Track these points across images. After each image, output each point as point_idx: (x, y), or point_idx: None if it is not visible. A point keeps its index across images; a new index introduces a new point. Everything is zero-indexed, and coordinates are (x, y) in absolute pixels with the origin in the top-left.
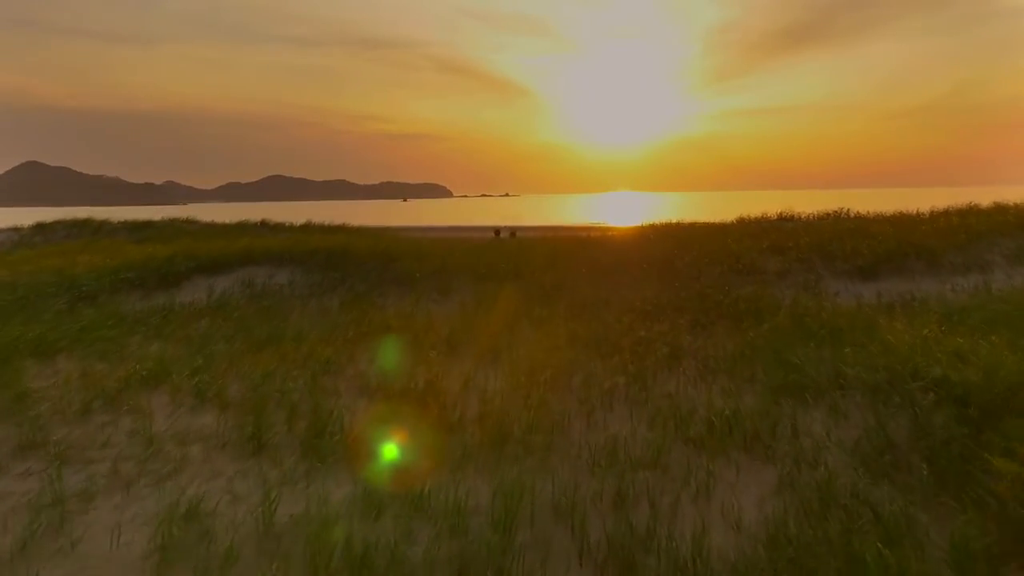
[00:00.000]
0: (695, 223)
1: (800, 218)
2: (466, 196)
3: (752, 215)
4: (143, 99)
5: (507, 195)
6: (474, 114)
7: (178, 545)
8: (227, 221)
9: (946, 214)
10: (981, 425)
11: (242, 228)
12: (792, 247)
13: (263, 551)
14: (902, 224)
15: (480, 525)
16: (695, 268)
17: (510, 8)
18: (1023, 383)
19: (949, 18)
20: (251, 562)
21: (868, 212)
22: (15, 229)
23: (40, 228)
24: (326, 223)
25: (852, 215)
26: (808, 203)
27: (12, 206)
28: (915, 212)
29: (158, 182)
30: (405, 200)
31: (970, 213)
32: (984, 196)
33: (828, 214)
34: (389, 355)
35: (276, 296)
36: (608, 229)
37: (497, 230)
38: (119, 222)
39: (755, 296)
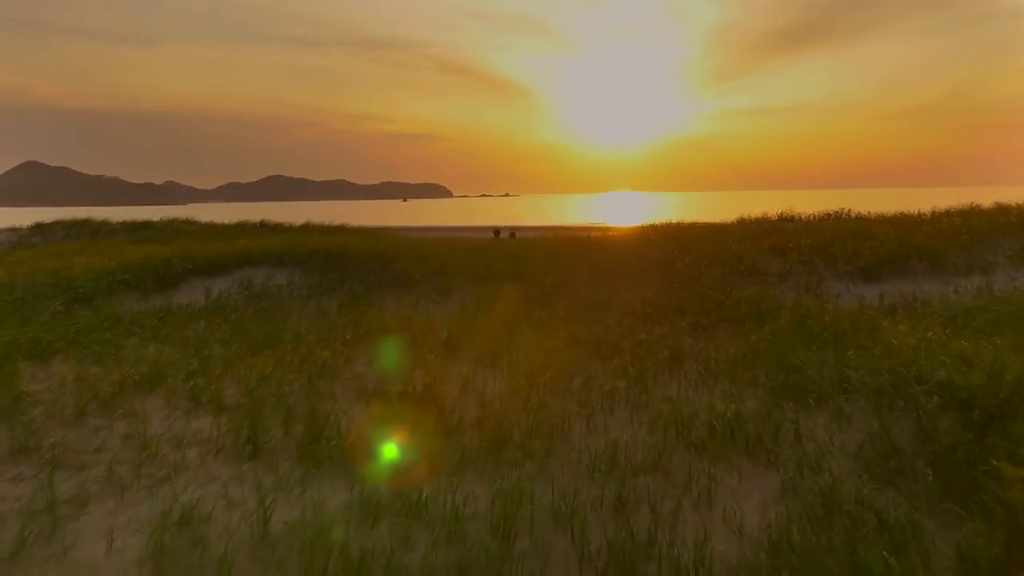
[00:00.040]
0: (695, 223)
1: (801, 219)
2: (466, 196)
3: (752, 215)
4: (143, 99)
5: (507, 195)
6: (474, 114)
7: (171, 552)
8: (226, 221)
9: (948, 215)
10: (986, 429)
11: (241, 229)
12: (793, 248)
13: (257, 558)
14: (904, 225)
15: (478, 532)
16: (696, 269)
17: (510, 8)
18: None
19: (949, 18)
20: (245, 570)
21: (869, 213)
22: (13, 230)
23: (38, 229)
24: (325, 223)
25: (853, 216)
26: (808, 203)
27: (12, 206)
28: (916, 213)
29: (158, 182)
30: (405, 200)
31: (972, 214)
32: (984, 196)
33: (829, 215)
34: (387, 358)
35: (274, 297)
36: (608, 229)
37: (497, 230)
38: (118, 222)
39: (756, 298)
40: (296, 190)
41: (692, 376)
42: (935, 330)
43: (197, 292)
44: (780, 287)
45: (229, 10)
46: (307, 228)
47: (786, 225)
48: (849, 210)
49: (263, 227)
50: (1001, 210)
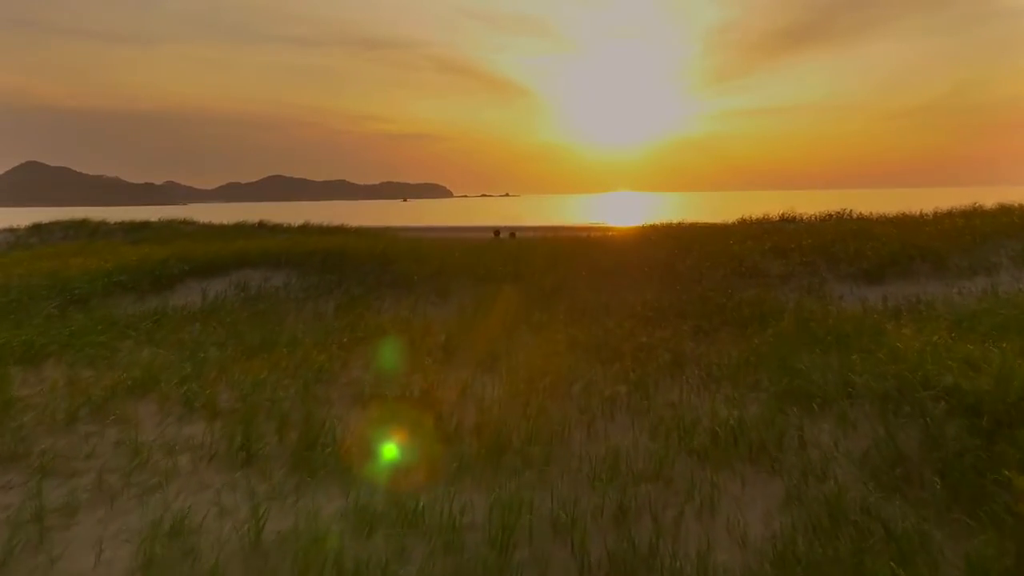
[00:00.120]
0: (696, 224)
1: (802, 219)
2: (466, 196)
3: (753, 216)
4: (143, 99)
5: (507, 195)
6: (474, 114)
7: (161, 563)
8: (225, 222)
9: (950, 215)
10: (994, 436)
11: (239, 229)
12: (795, 249)
13: (250, 569)
14: (906, 226)
15: (476, 542)
16: (697, 271)
17: (510, 8)
18: None
19: (949, 18)
20: None
21: (870, 213)
22: (11, 230)
23: (36, 229)
24: (325, 224)
25: (855, 216)
26: (809, 203)
27: (12, 206)
28: (918, 213)
29: (158, 182)
30: (405, 200)
31: (974, 214)
32: (984, 196)
33: (830, 215)
34: (384, 361)
35: (271, 299)
36: (608, 229)
37: (497, 230)
38: (116, 223)
39: (758, 300)
40: (296, 190)
41: (694, 381)
42: (941, 334)
43: (193, 294)
44: (782, 289)
45: (229, 10)
46: (306, 229)
47: (787, 226)
48: (851, 211)
49: (261, 228)
50: (1004, 211)
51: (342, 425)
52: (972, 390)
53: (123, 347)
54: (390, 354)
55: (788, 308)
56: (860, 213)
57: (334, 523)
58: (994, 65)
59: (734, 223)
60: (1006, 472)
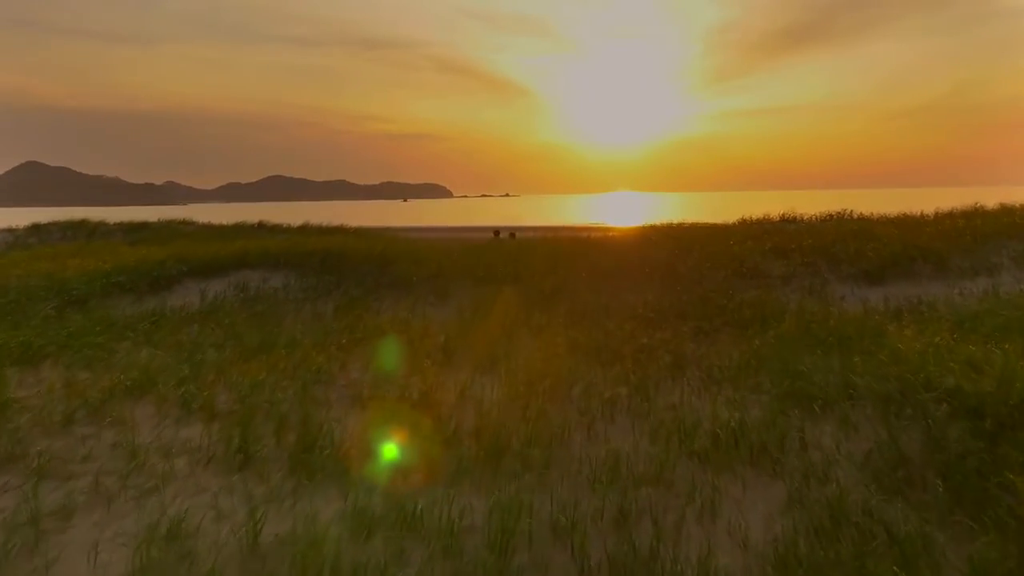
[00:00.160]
0: (696, 224)
1: (802, 220)
2: (466, 196)
3: (754, 216)
4: (143, 99)
5: (507, 195)
6: (474, 114)
7: (157, 566)
8: (224, 222)
9: (951, 216)
10: (997, 439)
11: (239, 230)
12: (796, 250)
13: (247, 572)
14: (907, 226)
15: (475, 545)
16: (697, 272)
17: (510, 8)
18: None
19: (949, 18)
20: None
21: (871, 213)
22: (10, 230)
23: (35, 229)
24: (324, 224)
25: (855, 217)
26: (809, 204)
27: (12, 206)
28: (919, 214)
29: (158, 182)
30: (405, 200)
31: (975, 215)
32: (985, 196)
33: (831, 216)
34: (383, 363)
35: (270, 300)
36: (608, 230)
37: (497, 231)
38: (115, 223)
39: (759, 301)
40: (296, 190)
41: (695, 383)
42: (942, 335)
43: (192, 295)
44: (783, 290)
45: (229, 10)
46: (305, 229)
47: (788, 226)
48: (851, 211)
49: (261, 228)
50: (1005, 211)
51: (340, 427)
52: (974, 392)
53: (121, 348)
54: (389, 356)
55: (789, 309)
56: (861, 213)
57: (332, 526)
58: (994, 65)
59: (734, 223)
60: (1009, 475)
